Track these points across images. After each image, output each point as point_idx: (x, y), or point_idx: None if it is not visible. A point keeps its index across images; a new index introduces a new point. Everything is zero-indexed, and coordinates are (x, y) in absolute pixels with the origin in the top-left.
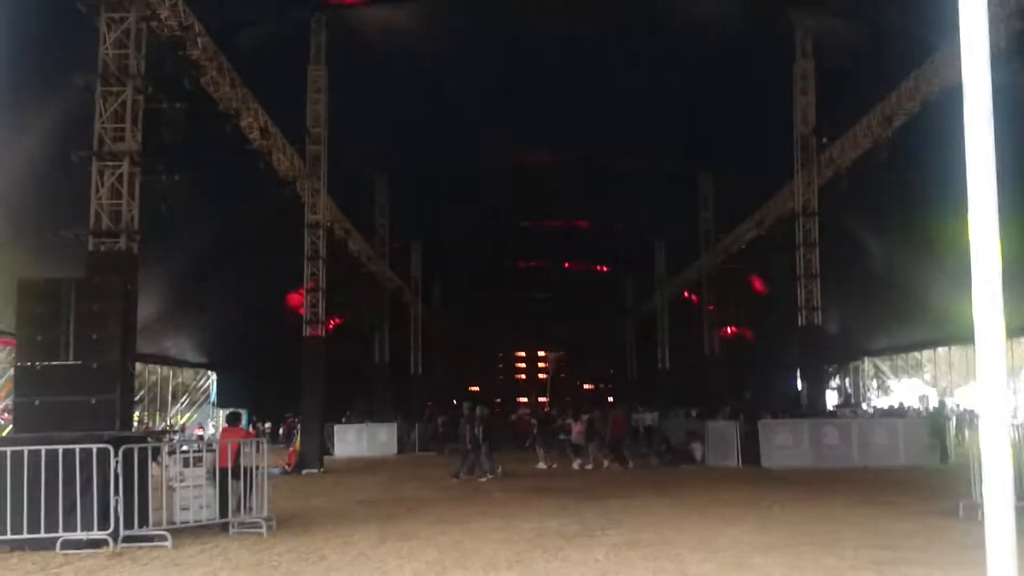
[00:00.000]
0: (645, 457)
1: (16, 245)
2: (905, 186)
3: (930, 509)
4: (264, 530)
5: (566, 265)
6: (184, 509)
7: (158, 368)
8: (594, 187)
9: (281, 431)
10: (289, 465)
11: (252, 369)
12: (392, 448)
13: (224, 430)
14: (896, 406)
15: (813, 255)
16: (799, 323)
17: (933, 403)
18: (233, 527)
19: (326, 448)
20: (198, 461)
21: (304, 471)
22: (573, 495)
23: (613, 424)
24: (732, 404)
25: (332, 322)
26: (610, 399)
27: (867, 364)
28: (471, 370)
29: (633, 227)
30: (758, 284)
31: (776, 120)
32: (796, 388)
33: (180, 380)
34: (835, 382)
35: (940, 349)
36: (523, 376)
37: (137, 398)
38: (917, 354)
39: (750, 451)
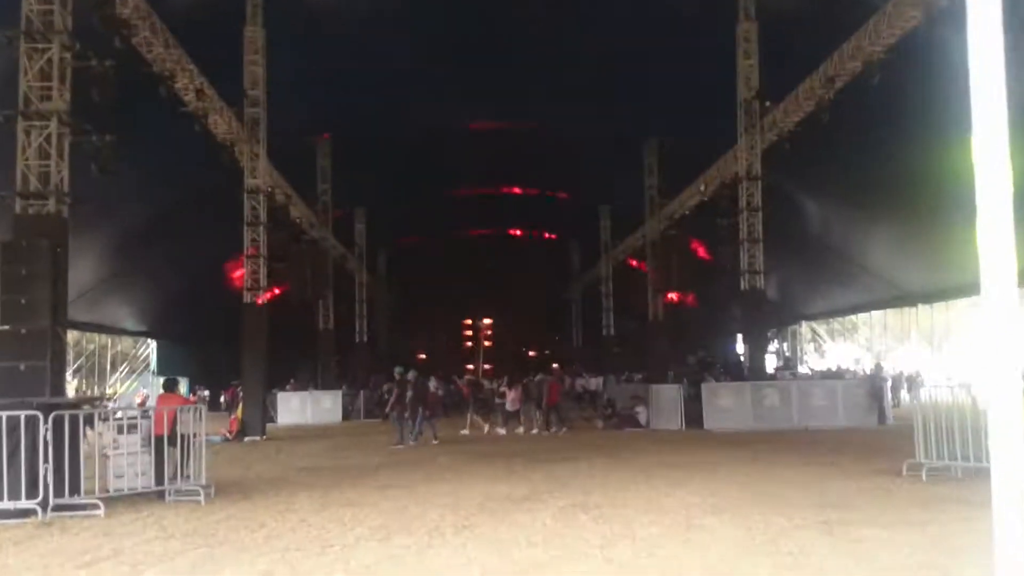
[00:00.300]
0: (590, 420)
1: None
2: (845, 148)
3: (873, 469)
4: (202, 497)
5: (512, 233)
6: (119, 477)
7: (96, 336)
8: (540, 154)
9: (223, 399)
10: (231, 433)
11: (194, 337)
12: (337, 416)
13: (160, 397)
14: (834, 368)
15: (756, 220)
16: (741, 287)
17: (869, 366)
18: (170, 495)
19: (270, 416)
20: (133, 428)
21: (246, 439)
22: (520, 459)
23: (548, 390)
24: (675, 368)
25: (276, 290)
26: (553, 366)
27: (804, 328)
28: (418, 338)
29: (579, 194)
30: (701, 250)
31: (721, 85)
32: (736, 353)
33: (119, 348)
34: (773, 346)
35: (875, 312)
36: (470, 344)
37: (75, 367)
38: (853, 318)
39: (693, 414)
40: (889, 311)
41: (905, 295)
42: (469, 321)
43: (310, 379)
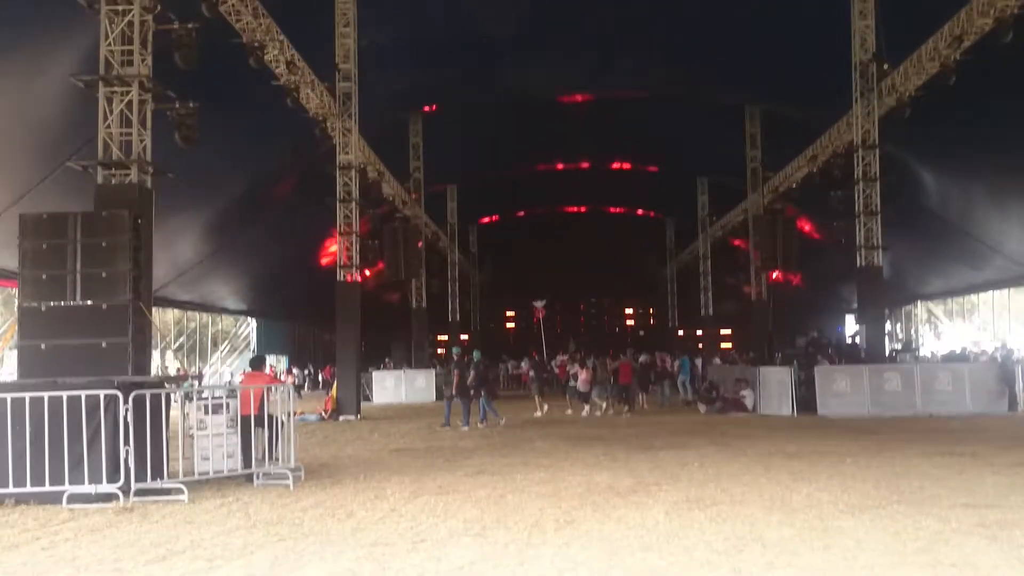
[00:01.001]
0: (691, 404)
1: (17, 179)
2: (970, 114)
3: (1018, 461)
4: (291, 482)
5: (606, 209)
6: (205, 460)
7: (197, 315)
8: (635, 125)
9: (321, 378)
10: (326, 412)
11: (293, 316)
12: (431, 395)
13: (247, 375)
14: (958, 351)
15: (873, 191)
16: (858, 263)
17: (993, 347)
18: (258, 478)
19: (365, 395)
20: (219, 408)
21: (341, 418)
22: (621, 444)
23: (619, 371)
24: (784, 350)
25: (372, 269)
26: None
27: (920, 308)
28: (509, 317)
29: (676, 167)
30: (806, 227)
31: (832, 46)
32: (844, 335)
33: (220, 327)
34: (887, 327)
35: (996, 292)
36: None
37: (176, 345)
38: (972, 297)
39: (805, 399)
40: (1012, 290)
41: None
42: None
43: (404, 358)
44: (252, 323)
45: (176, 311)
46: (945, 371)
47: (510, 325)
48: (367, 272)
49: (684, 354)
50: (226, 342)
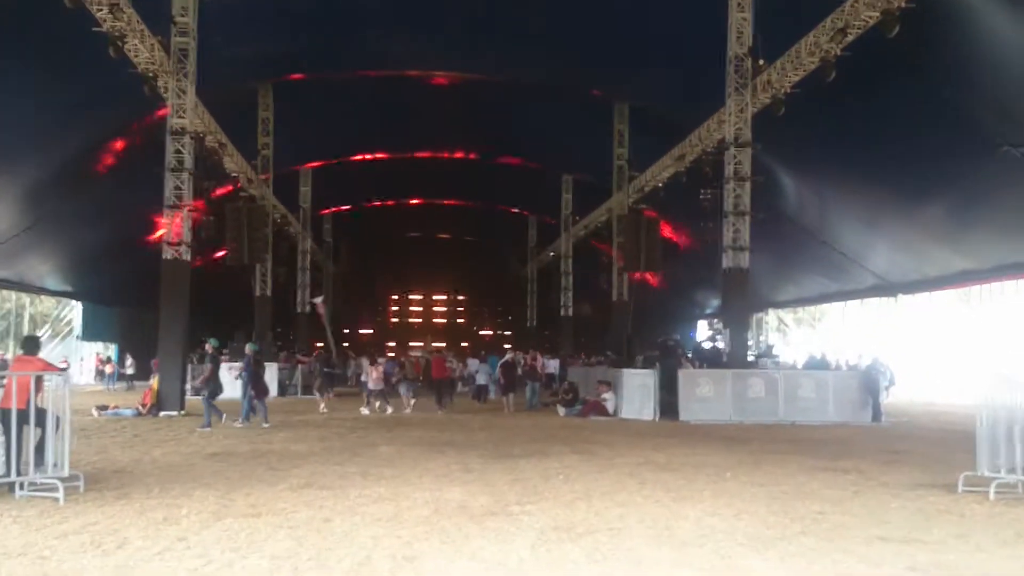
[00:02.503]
0: (549, 406)
1: None
2: (843, 116)
3: (913, 481)
4: (60, 494)
5: (467, 204)
6: None
7: (12, 294)
8: (499, 116)
9: (154, 367)
10: (144, 406)
11: (124, 300)
12: (273, 390)
13: (17, 360)
14: (818, 357)
15: (743, 190)
16: (724, 265)
17: (857, 356)
18: (22, 488)
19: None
20: None
21: (162, 413)
22: (475, 452)
23: (431, 367)
24: (646, 353)
25: (214, 252)
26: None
27: (771, 316)
28: (363, 311)
29: (541, 163)
30: (667, 227)
31: (706, 43)
32: (696, 339)
33: (39, 309)
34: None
35: (849, 302)
36: (419, 320)
37: None
38: (824, 306)
39: (667, 403)
40: (857, 301)
41: (886, 284)
42: (418, 296)
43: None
44: (77, 306)
45: None
46: (809, 379)
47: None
48: (215, 256)
49: (494, 353)
50: (47, 326)
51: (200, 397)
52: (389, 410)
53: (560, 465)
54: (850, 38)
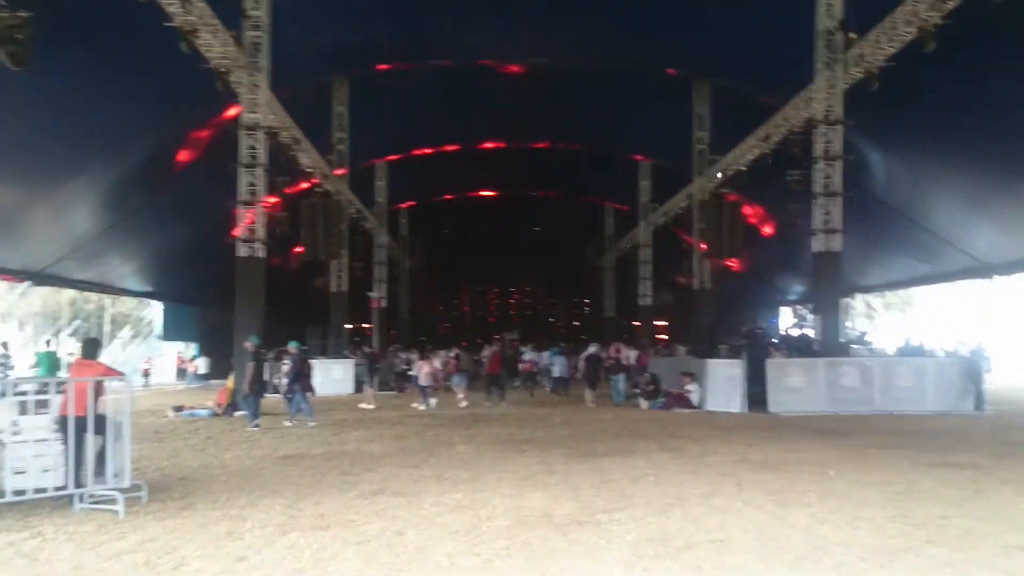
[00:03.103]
0: (631, 399)
1: None
2: (942, 89)
3: None
4: (121, 507)
5: (543, 194)
6: (18, 474)
7: (93, 295)
8: (576, 103)
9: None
10: (220, 405)
11: (204, 299)
12: (348, 387)
13: (77, 363)
14: (914, 345)
15: (834, 171)
16: (814, 248)
17: (957, 343)
18: (81, 501)
19: (275, 386)
20: (42, 406)
21: (237, 413)
22: (558, 450)
23: (490, 361)
24: (731, 342)
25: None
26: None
27: (858, 300)
28: (440, 305)
29: (615, 149)
30: (749, 211)
31: (791, 18)
32: (778, 327)
33: (119, 310)
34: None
35: (940, 285)
36: (496, 313)
37: (70, 330)
38: (913, 290)
39: (755, 395)
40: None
41: (981, 266)
42: (497, 289)
43: (321, 346)
44: (157, 306)
45: (70, 291)
46: (906, 367)
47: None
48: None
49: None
50: (127, 327)
51: (283, 395)
52: (432, 403)
53: (648, 464)
54: (951, 4)
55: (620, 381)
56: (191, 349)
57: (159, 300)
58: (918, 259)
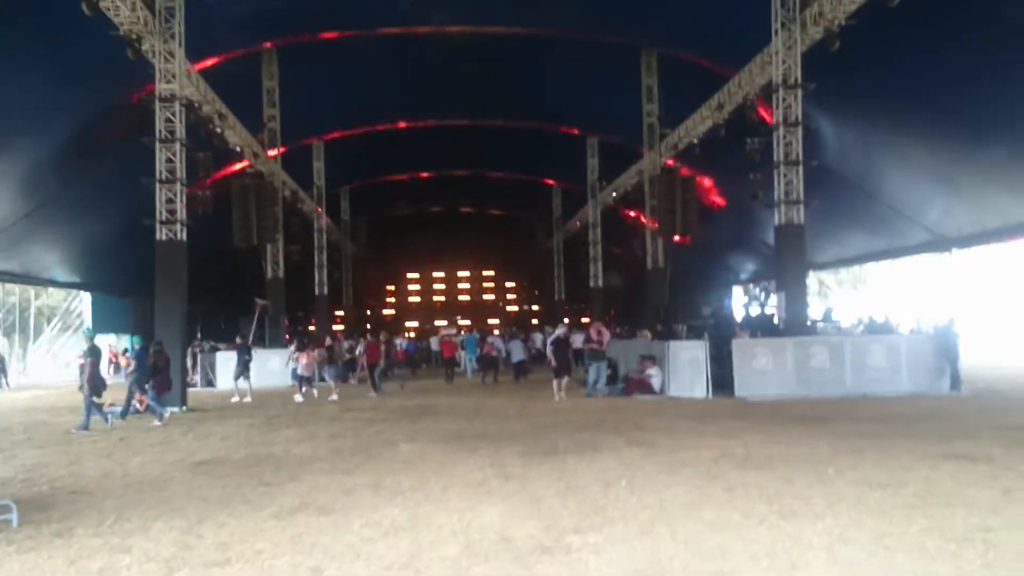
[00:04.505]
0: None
1: None
2: (897, 52)
3: None
4: None
5: (488, 174)
6: None
7: (16, 287)
8: (520, 77)
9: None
10: (141, 404)
11: (137, 289)
12: (286, 379)
13: None
14: (879, 321)
15: (794, 137)
16: (776, 221)
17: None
18: None
19: (208, 379)
20: None
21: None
22: (514, 447)
23: (367, 351)
24: (690, 322)
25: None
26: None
27: (812, 278)
28: (384, 290)
29: (564, 125)
30: (703, 185)
31: None
32: (731, 307)
33: (46, 302)
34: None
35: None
36: (442, 298)
37: None
38: (867, 266)
39: (719, 378)
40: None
41: (939, 239)
42: (441, 274)
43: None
44: (87, 297)
45: None
46: (879, 345)
47: (389, 300)
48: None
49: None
50: (56, 319)
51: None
52: (313, 394)
53: (618, 464)
54: None
55: (600, 370)
56: (123, 341)
57: (87, 291)
58: (872, 233)
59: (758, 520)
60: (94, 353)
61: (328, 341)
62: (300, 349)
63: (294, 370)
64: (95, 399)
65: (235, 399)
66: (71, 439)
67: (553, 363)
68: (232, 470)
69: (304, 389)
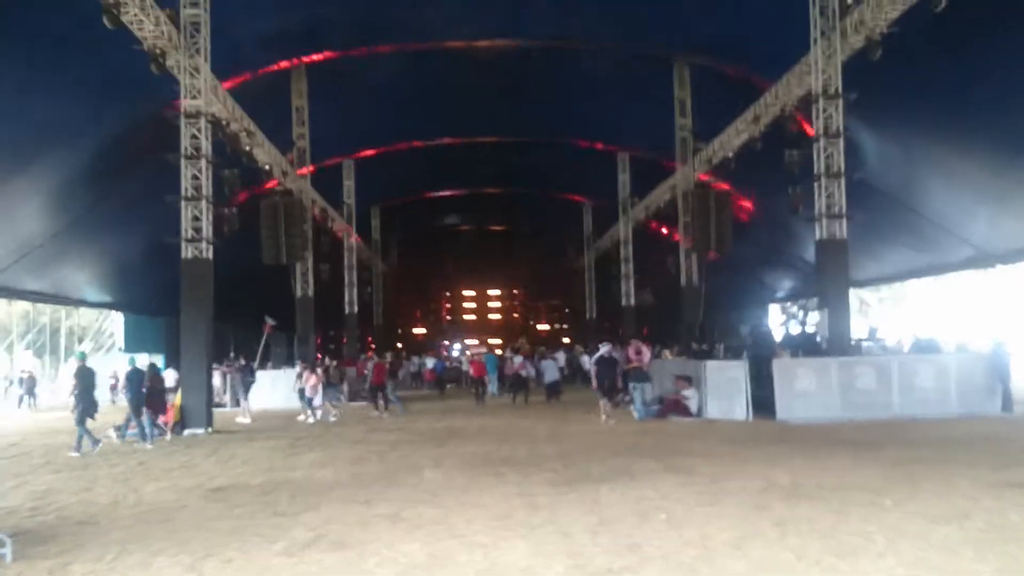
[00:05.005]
0: (620, 406)
1: None
2: (946, 59)
3: None
4: None
5: (518, 190)
6: None
7: (47, 307)
8: (549, 92)
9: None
10: (166, 424)
11: (171, 308)
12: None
13: None
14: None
15: (836, 149)
16: (817, 235)
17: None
18: None
19: (235, 399)
20: None
21: (186, 431)
22: (543, 474)
23: (373, 371)
24: (727, 342)
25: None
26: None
27: (851, 296)
28: (415, 308)
29: (595, 141)
30: (737, 200)
31: None
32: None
33: (78, 322)
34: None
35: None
36: (473, 316)
37: (24, 343)
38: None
39: (759, 399)
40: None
41: (983, 255)
42: (472, 292)
43: (286, 355)
44: (119, 317)
45: (23, 303)
46: (927, 365)
47: (417, 319)
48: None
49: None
50: (88, 339)
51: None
52: (316, 417)
53: (655, 494)
54: None
55: (644, 391)
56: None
57: (119, 311)
58: (914, 249)
59: (813, 560)
60: (83, 375)
61: (327, 363)
62: (309, 370)
63: (301, 390)
64: (88, 420)
65: (240, 419)
66: (88, 463)
67: (594, 384)
68: (248, 497)
69: (311, 410)
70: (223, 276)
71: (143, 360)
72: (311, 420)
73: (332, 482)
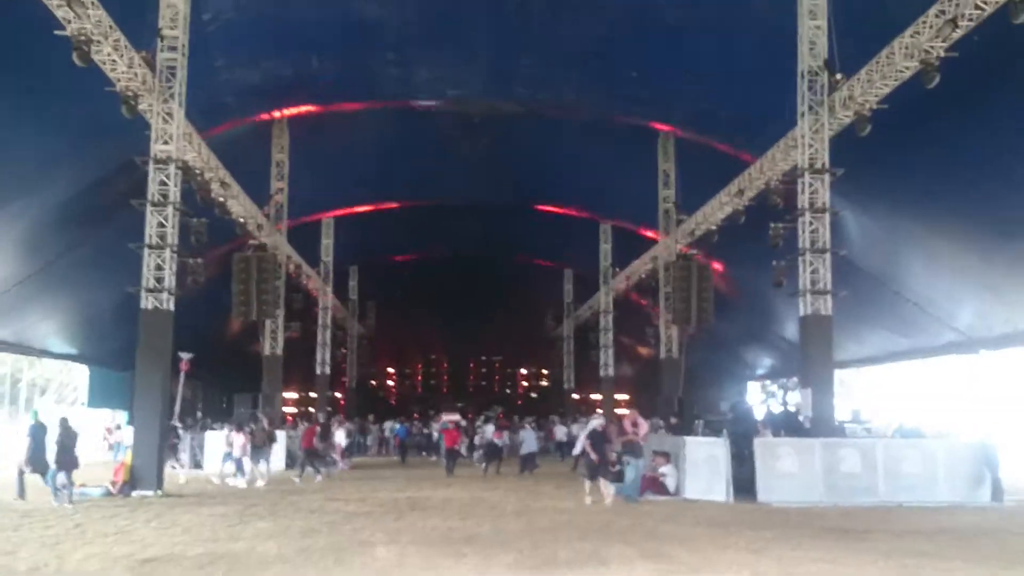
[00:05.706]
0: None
1: None
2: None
3: None
4: None
5: (498, 256)
6: None
7: (7, 357)
8: (534, 157)
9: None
10: (115, 484)
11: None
12: (280, 462)
13: None
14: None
15: (821, 224)
16: (801, 311)
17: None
18: None
19: (196, 461)
20: None
21: (135, 492)
22: (507, 555)
23: (303, 435)
24: (706, 417)
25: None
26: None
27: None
28: (390, 373)
29: (578, 209)
30: (719, 273)
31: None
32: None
33: (40, 373)
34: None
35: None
36: (448, 383)
37: None
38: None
39: (739, 479)
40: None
41: (967, 340)
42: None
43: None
44: (83, 370)
45: None
46: (914, 450)
47: (391, 383)
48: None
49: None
50: (47, 392)
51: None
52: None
53: None
54: (959, 32)
55: (638, 468)
56: (119, 417)
57: (84, 363)
58: (896, 332)
59: None
60: (34, 432)
61: (251, 426)
62: (237, 430)
63: (227, 453)
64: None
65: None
66: (21, 524)
67: (592, 457)
68: (178, 572)
69: (237, 471)
70: (190, 330)
71: (49, 414)
72: (242, 484)
73: (275, 556)
